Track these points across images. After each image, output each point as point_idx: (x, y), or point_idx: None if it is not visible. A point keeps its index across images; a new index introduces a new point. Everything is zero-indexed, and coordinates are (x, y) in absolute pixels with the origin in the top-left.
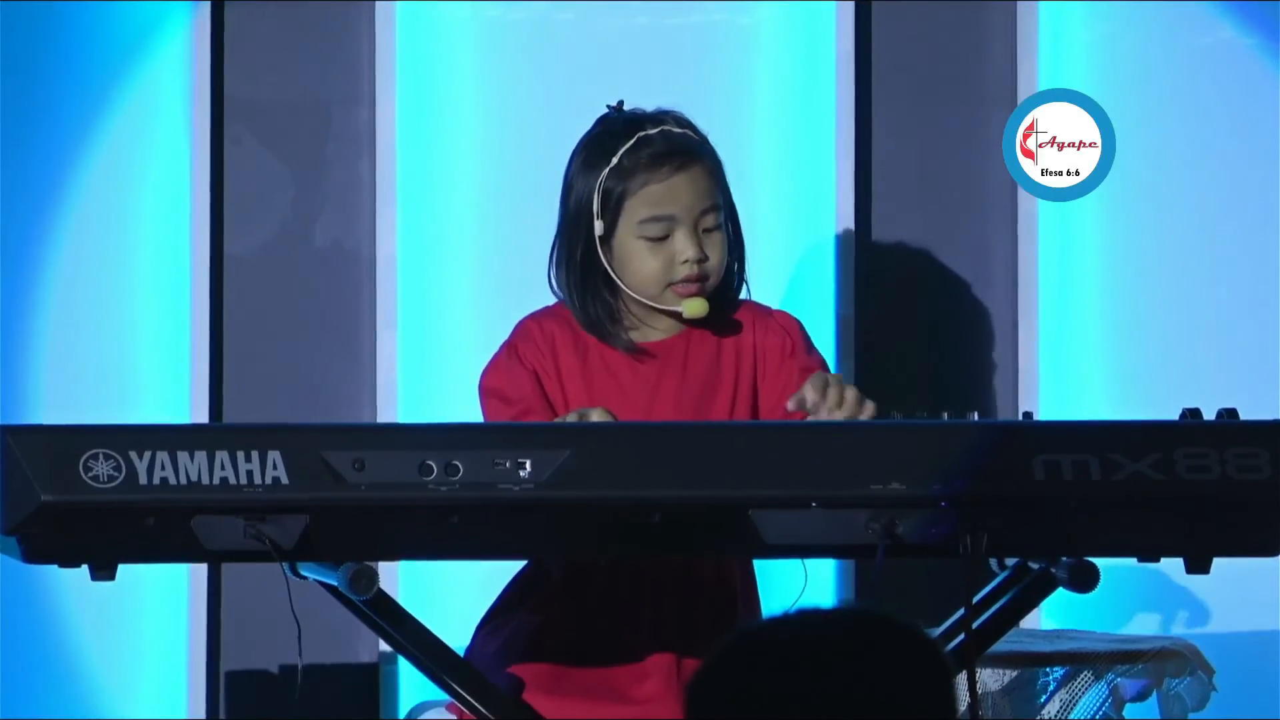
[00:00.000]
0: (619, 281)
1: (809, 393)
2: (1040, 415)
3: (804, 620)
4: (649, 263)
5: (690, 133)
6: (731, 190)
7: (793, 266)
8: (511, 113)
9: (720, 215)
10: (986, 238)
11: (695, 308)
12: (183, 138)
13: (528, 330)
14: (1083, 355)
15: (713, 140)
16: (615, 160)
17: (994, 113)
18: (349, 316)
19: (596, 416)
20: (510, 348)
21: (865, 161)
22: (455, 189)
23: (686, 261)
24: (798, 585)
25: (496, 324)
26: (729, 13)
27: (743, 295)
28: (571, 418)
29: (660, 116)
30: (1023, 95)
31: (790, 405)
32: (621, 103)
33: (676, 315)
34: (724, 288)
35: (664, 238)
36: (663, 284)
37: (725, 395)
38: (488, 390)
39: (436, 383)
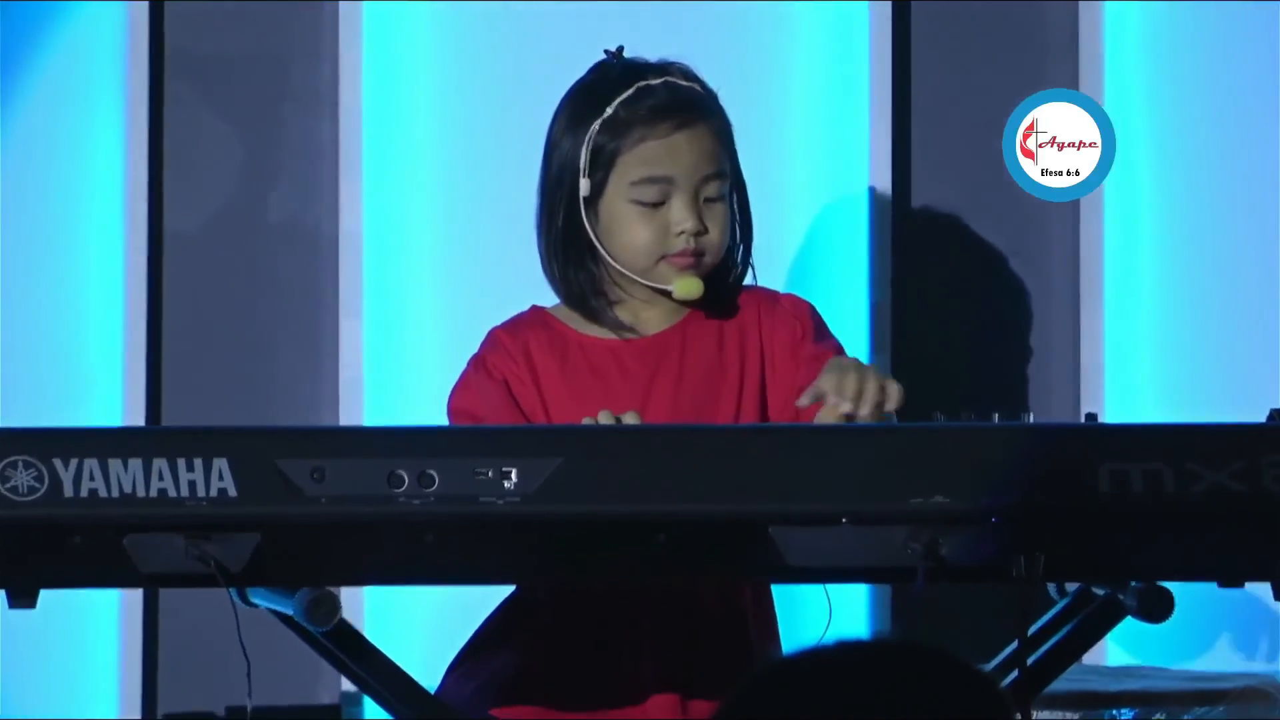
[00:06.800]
0: (604, 252)
1: (824, 383)
2: (1105, 417)
3: (843, 652)
4: (640, 232)
5: (697, 87)
6: (759, 165)
7: (823, 247)
8: (492, 70)
9: (725, 185)
10: (1043, 213)
11: (688, 287)
12: (117, 97)
13: (496, 340)
14: (1154, 349)
15: (741, 108)
16: (609, 111)
17: (1053, 70)
18: (307, 303)
19: (629, 421)
20: (478, 362)
21: (904, 127)
22: (428, 157)
23: (683, 233)
24: (823, 613)
25: (474, 313)
26: None
27: (748, 281)
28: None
29: (665, 66)
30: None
31: (803, 401)
32: (621, 49)
33: (667, 295)
34: (724, 271)
35: (659, 204)
36: (654, 256)
37: (730, 397)
38: (455, 412)
39: (407, 380)
